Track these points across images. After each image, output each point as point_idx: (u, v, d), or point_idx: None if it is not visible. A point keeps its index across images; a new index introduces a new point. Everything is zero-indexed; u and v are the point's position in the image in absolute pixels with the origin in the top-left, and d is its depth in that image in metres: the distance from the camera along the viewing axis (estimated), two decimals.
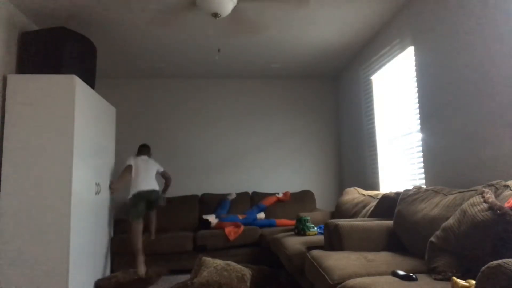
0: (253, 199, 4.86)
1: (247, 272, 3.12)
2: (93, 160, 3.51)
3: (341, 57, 4.63)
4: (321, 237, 3.01)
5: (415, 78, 3.19)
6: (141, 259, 3.65)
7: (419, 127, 3.15)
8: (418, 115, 3.15)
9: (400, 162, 3.60)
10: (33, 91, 3.08)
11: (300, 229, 3.29)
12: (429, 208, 2.19)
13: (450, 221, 1.81)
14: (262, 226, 4.32)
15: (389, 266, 2.00)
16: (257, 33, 3.83)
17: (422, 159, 3.13)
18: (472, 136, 2.47)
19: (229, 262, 3.21)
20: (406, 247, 2.36)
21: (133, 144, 5.05)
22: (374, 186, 4.09)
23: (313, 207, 4.87)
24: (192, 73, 5.06)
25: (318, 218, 3.77)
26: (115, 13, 3.38)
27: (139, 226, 3.75)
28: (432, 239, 1.88)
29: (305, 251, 2.64)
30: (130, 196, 3.85)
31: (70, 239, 2.96)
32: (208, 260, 3.20)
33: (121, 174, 3.99)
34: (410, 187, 2.57)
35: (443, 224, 1.85)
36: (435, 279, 1.74)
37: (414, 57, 3.20)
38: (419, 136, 3.16)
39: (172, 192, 5.03)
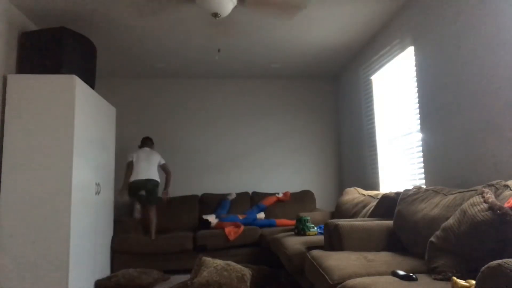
0: (253, 199, 4.86)
1: (247, 272, 3.12)
2: (93, 160, 3.51)
3: (341, 57, 4.63)
4: (321, 237, 3.01)
5: (415, 78, 3.19)
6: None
7: (419, 127, 3.15)
8: (418, 115, 3.15)
9: (400, 162, 3.60)
10: (33, 91, 3.08)
11: (300, 229, 3.29)
12: (429, 208, 2.19)
13: (450, 221, 1.81)
14: (262, 226, 4.32)
15: (389, 266, 2.00)
16: (256, 34, 3.83)
17: (422, 159, 3.13)
18: (472, 136, 2.47)
19: (229, 262, 3.21)
20: (406, 247, 2.36)
21: (133, 144, 5.05)
22: (374, 186, 4.09)
23: (313, 207, 4.87)
24: (192, 73, 5.06)
25: (318, 218, 3.77)
26: (115, 13, 3.38)
27: (145, 210, 4.17)
28: (432, 239, 1.88)
29: (305, 251, 2.64)
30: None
31: (70, 239, 2.96)
32: (208, 260, 3.20)
33: (124, 173, 4.18)
34: (410, 187, 2.57)
35: (443, 224, 1.85)
36: (435, 279, 1.74)
37: (414, 57, 3.20)
38: (419, 136, 3.16)
39: (172, 192, 5.03)
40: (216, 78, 5.31)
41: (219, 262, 3.16)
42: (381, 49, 3.82)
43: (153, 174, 4.11)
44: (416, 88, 3.18)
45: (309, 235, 3.22)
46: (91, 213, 3.44)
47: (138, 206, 4.36)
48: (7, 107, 3.04)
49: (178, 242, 3.99)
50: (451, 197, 2.11)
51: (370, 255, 2.17)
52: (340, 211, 3.67)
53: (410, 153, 3.39)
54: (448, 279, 1.69)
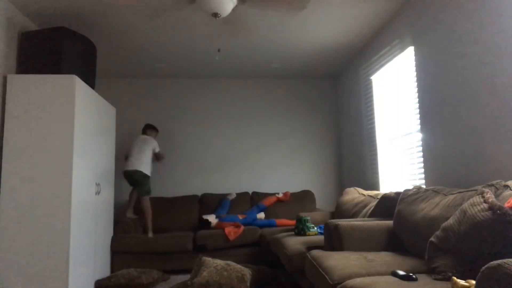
0: (253, 199, 4.86)
1: (247, 272, 3.12)
2: (93, 160, 3.51)
3: (341, 57, 4.63)
4: (321, 237, 3.01)
5: (415, 78, 3.19)
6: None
7: (419, 127, 3.15)
8: (418, 115, 3.15)
9: (400, 162, 3.60)
10: (33, 91, 3.08)
11: (300, 229, 3.29)
12: (429, 208, 2.19)
13: (450, 221, 1.81)
14: (262, 226, 4.32)
15: (389, 266, 2.00)
16: (256, 34, 3.83)
17: (422, 159, 3.13)
18: (472, 136, 2.47)
19: (229, 262, 3.21)
20: (406, 247, 2.36)
21: None
22: (374, 186, 4.09)
23: (313, 207, 4.87)
24: (192, 73, 5.06)
25: (318, 218, 3.77)
26: (115, 13, 3.38)
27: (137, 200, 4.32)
28: (432, 239, 1.88)
29: (305, 251, 2.64)
30: None
31: (70, 239, 2.96)
32: (208, 260, 3.20)
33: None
34: (410, 187, 2.57)
35: (443, 224, 1.85)
36: (435, 279, 1.74)
37: (414, 57, 3.20)
38: (419, 136, 3.16)
39: (172, 192, 5.04)
40: (216, 78, 5.31)
41: (219, 262, 3.16)
42: (381, 49, 3.82)
43: (142, 164, 4.14)
44: (416, 88, 3.18)
45: (309, 235, 3.22)
46: (91, 213, 3.44)
47: (131, 209, 4.38)
48: (7, 107, 3.04)
49: (178, 242, 3.99)
50: (451, 197, 2.11)
51: (370, 255, 2.17)
52: (340, 211, 3.67)
53: (410, 153, 3.39)
54: (448, 279, 1.69)
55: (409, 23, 3.27)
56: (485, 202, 1.67)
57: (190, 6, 3.26)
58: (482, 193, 1.74)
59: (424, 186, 2.65)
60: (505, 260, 1.10)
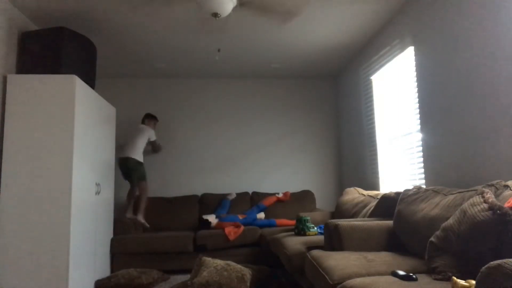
0: (253, 199, 4.86)
1: (247, 272, 3.12)
2: (93, 160, 3.51)
3: (341, 57, 4.63)
4: (321, 237, 3.01)
5: (415, 78, 3.19)
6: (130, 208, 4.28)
7: (419, 127, 3.15)
8: (418, 115, 3.15)
9: (400, 162, 3.60)
10: (33, 91, 3.08)
11: (300, 229, 3.29)
12: (429, 208, 2.19)
13: (450, 221, 1.81)
14: (262, 226, 4.32)
15: (389, 266, 2.00)
16: (256, 34, 3.83)
17: (422, 159, 3.13)
18: (472, 136, 2.47)
19: (229, 262, 3.20)
20: (406, 247, 2.36)
21: None
22: (374, 186, 4.09)
23: (313, 207, 4.87)
24: (192, 73, 5.06)
25: (318, 218, 3.77)
26: (115, 13, 3.38)
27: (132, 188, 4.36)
28: (432, 239, 1.88)
29: (305, 251, 2.64)
30: None
31: (70, 239, 2.96)
32: (208, 260, 3.20)
33: None
34: (410, 187, 2.57)
35: (443, 224, 1.85)
36: (435, 279, 1.74)
37: (414, 57, 3.20)
38: (419, 136, 3.16)
39: (172, 192, 5.04)
40: (216, 78, 5.31)
41: (219, 262, 3.16)
42: (381, 49, 3.82)
43: (135, 151, 4.18)
44: (416, 88, 3.18)
45: (309, 235, 3.22)
46: (91, 213, 3.44)
47: (130, 209, 4.38)
48: (7, 107, 3.04)
49: (178, 242, 3.99)
50: (451, 197, 2.11)
51: (370, 255, 2.17)
52: (340, 211, 3.67)
53: (410, 153, 3.39)
54: (448, 279, 1.69)
55: (409, 23, 3.27)
56: (485, 202, 1.67)
57: (190, 6, 3.26)
58: (482, 193, 1.74)
59: (424, 186, 2.65)
60: (505, 260, 1.10)
